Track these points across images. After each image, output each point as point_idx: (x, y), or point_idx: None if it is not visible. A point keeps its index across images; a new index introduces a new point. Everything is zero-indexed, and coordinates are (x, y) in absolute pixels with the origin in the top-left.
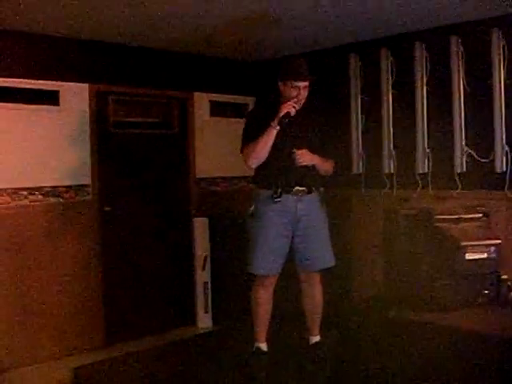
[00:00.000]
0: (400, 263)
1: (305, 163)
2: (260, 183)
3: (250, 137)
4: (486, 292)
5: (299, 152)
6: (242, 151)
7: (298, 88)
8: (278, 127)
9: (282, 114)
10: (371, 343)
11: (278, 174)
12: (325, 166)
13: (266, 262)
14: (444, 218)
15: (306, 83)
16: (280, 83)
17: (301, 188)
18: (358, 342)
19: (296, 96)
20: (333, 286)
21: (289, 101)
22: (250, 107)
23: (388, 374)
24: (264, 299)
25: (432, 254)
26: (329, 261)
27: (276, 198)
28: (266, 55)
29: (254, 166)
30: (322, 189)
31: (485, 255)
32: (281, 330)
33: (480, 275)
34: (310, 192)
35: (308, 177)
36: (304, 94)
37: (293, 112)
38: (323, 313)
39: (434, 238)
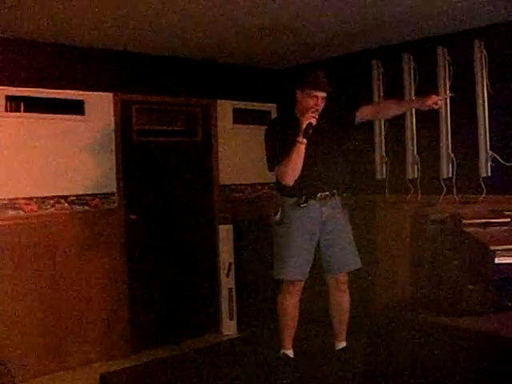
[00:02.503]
0: (428, 268)
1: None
2: (284, 191)
3: (278, 154)
4: None
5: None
6: (271, 169)
7: (316, 98)
8: (305, 140)
9: (304, 125)
10: (398, 348)
11: (302, 180)
12: None
13: (294, 267)
14: (472, 223)
15: (324, 94)
16: (298, 92)
17: (324, 193)
18: (385, 347)
19: (313, 105)
20: (358, 290)
21: (307, 111)
22: (273, 115)
23: (415, 379)
24: (291, 306)
25: (460, 258)
26: (355, 263)
27: (301, 204)
28: (288, 63)
29: (291, 184)
30: (344, 194)
31: None
32: (306, 335)
33: (509, 279)
34: (333, 196)
35: (331, 181)
36: (321, 104)
37: (314, 122)
38: (349, 318)
39: (463, 242)
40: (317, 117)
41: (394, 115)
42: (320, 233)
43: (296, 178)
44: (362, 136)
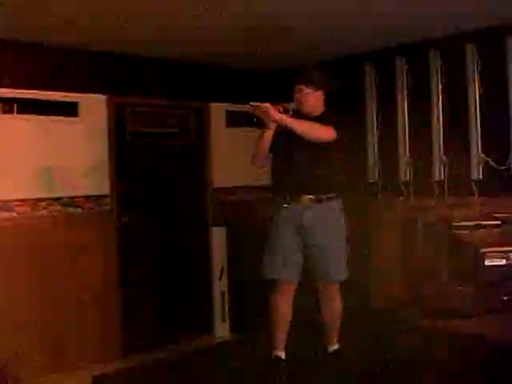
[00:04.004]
0: (419, 270)
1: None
2: (274, 191)
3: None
4: (506, 298)
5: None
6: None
7: (299, 91)
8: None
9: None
10: (389, 350)
11: (289, 181)
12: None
13: (277, 266)
14: (462, 225)
15: (301, 86)
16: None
17: (308, 196)
18: (377, 350)
19: (298, 98)
20: (350, 293)
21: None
22: None
23: (408, 381)
24: (281, 306)
25: (451, 261)
26: (338, 274)
27: (284, 204)
28: (282, 65)
29: (258, 165)
30: (340, 200)
31: (504, 262)
32: (298, 338)
33: (499, 282)
34: (320, 201)
35: (316, 186)
36: (301, 97)
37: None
38: (341, 321)
39: (453, 244)
40: (291, 107)
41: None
42: (302, 237)
43: (261, 162)
44: (354, 138)
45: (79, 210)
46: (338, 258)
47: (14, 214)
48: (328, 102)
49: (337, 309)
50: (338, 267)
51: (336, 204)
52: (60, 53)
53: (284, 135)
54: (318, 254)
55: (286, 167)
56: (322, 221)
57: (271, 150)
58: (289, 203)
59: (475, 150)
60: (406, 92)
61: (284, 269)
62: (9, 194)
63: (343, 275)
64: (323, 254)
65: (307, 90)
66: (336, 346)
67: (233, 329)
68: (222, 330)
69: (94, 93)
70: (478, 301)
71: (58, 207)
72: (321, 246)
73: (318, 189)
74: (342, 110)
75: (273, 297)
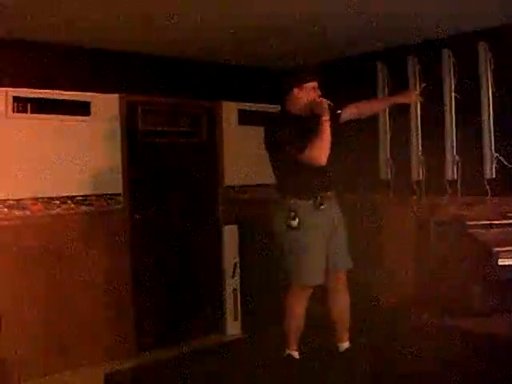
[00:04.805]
0: (431, 269)
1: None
2: (295, 193)
3: (297, 137)
4: None
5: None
6: (297, 154)
7: (314, 89)
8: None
9: (325, 106)
10: (402, 349)
11: (311, 181)
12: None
13: (311, 272)
14: (475, 224)
15: (316, 83)
16: (296, 90)
17: (331, 192)
18: (389, 348)
19: (317, 96)
20: (361, 291)
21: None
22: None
23: (419, 380)
24: (298, 308)
25: (464, 259)
26: (349, 262)
27: (319, 206)
28: (293, 64)
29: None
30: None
31: None
32: (311, 336)
33: None
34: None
35: (332, 181)
36: (317, 94)
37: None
38: (352, 319)
39: (466, 244)
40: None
41: (377, 111)
42: (329, 236)
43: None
44: (366, 135)
45: (92, 208)
46: (348, 247)
47: (28, 212)
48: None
49: (346, 304)
50: (348, 255)
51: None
52: (73, 52)
53: (300, 131)
54: (337, 244)
55: (304, 170)
56: (339, 216)
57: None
58: (321, 204)
59: (488, 149)
60: (418, 91)
61: (315, 274)
62: (22, 192)
63: (351, 264)
64: (341, 244)
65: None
66: (347, 345)
67: (244, 327)
68: (233, 329)
69: (106, 92)
70: (491, 300)
71: (72, 205)
72: (340, 236)
73: (332, 185)
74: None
75: (291, 300)
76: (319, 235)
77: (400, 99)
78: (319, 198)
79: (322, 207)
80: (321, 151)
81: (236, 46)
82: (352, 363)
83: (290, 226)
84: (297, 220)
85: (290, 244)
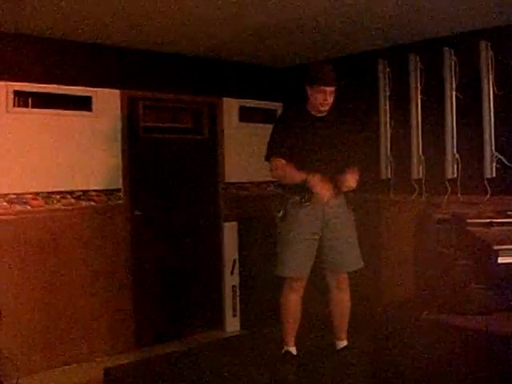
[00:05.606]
0: (431, 267)
1: (352, 188)
2: (288, 189)
3: (280, 147)
4: None
5: (347, 177)
6: (268, 159)
7: (325, 92)
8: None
9: (315, 192)
10: (401, 347)
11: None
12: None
13: (296, 264)
14: (475, 223)
15: (333, 88)
16: (308, 87)
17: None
18: (388, 346)
19: (323, 100)
20: (362, 289)
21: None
22: (279, 113)
23: (419, 378)
24: (293, 303)
25: (464, 258)
26: (356, 263)
27: (304, 202)
28: (294, 61)
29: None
30: (349, 193)
31: None
32: (309, 334)
33: None
34: (336, 195)
35: (334, 181)
36: (330, 99)
37: (327, 196)
38: (353, 317)
39: (466, 242)
40: (324, 110)
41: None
42: (322, 232)
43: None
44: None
45: (92, 203)
46: (356, 248)
47: (28, 207)
48: (343, 99)
49: (347, 303)
50: (356, 256)
51: (344, 198)
52: (74, 47)
53: (302, 129)
54: (339, 245)
55: (300, 165)
56: (341, 214)
57: (284, 142)
58: (309, 200)
59: (488, 148)
60: (419, 89)
61: (301, 266)
62: (23, 187)
63: (361, 263)
64: (343, 245)
65: (332, 89)
66: (345, 343)
67: (243, 323)
68: (232, 325)
69: (107, 87)
70: (491, 298)
71: (72, 201)
72: (342, 237)
73: (334, 185)
74: (355, 107)
75: (285, 294)
76: (303, 230)
77: (314, 188)
78: (307, 194)
79: (307, 204)
80: (280, 175)
81: (238, 44)
82: (351, 360)
83: (277, 218)
84: (281, 212)
85: (278, 235)
